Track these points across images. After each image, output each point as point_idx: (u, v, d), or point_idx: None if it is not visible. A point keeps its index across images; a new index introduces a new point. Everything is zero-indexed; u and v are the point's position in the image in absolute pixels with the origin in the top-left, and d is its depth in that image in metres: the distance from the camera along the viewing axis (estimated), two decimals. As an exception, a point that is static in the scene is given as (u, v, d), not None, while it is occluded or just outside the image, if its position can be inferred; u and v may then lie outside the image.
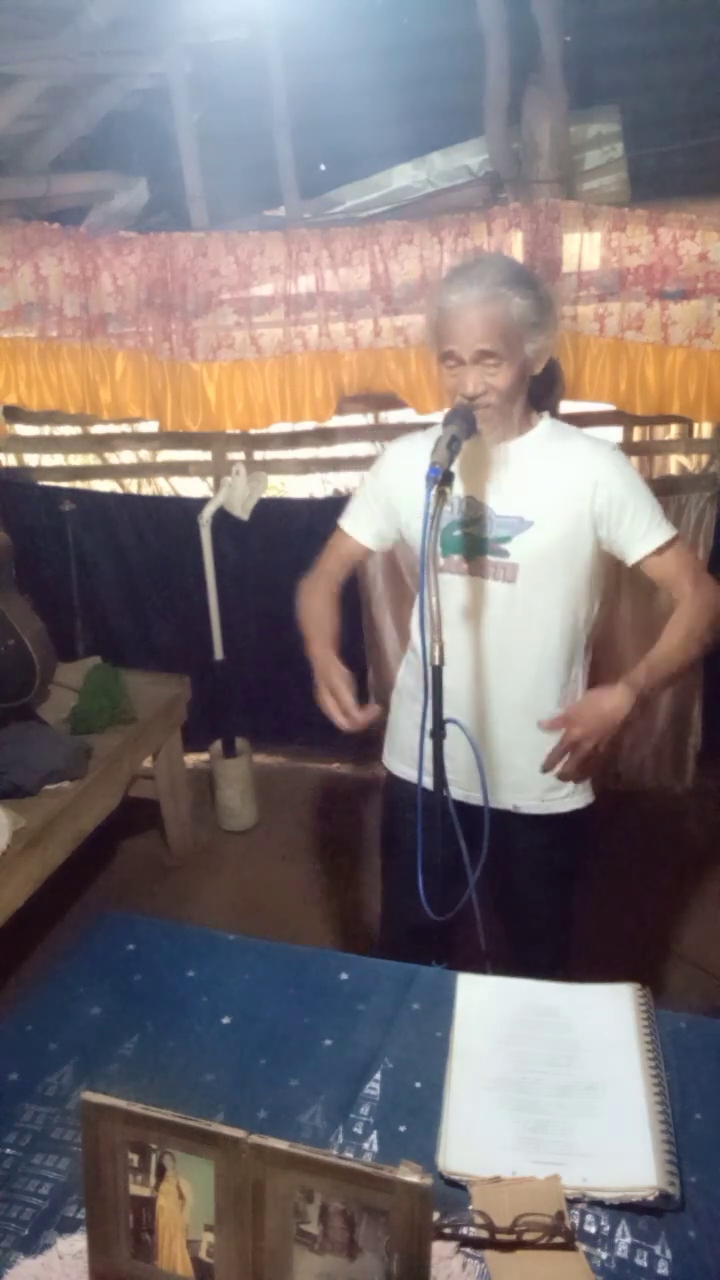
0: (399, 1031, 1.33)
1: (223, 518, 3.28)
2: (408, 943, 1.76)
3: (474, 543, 1.73)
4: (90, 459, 3.94)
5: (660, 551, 1.70)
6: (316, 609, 1.92)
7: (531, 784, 1.84)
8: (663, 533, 1.70)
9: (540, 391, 1.77)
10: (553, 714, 1.83)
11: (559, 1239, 1.00)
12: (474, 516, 1.73)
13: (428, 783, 1.59)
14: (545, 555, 1.70)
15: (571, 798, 1.86)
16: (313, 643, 1.84)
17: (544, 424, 1.76)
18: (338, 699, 1.71)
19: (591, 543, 1.72)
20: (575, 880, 2.00)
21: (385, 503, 1.84)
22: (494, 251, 2.69)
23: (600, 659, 1.94)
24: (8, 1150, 1.16)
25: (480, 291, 1.60)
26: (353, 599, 3.52)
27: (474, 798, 1.73)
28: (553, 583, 1.73)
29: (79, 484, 3.88)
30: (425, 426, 1.94)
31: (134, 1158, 0.96)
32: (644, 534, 1.69)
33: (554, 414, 1.81)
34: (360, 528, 1.90)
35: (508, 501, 1.71)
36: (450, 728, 1.56)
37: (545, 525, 1.69)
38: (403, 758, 1.90)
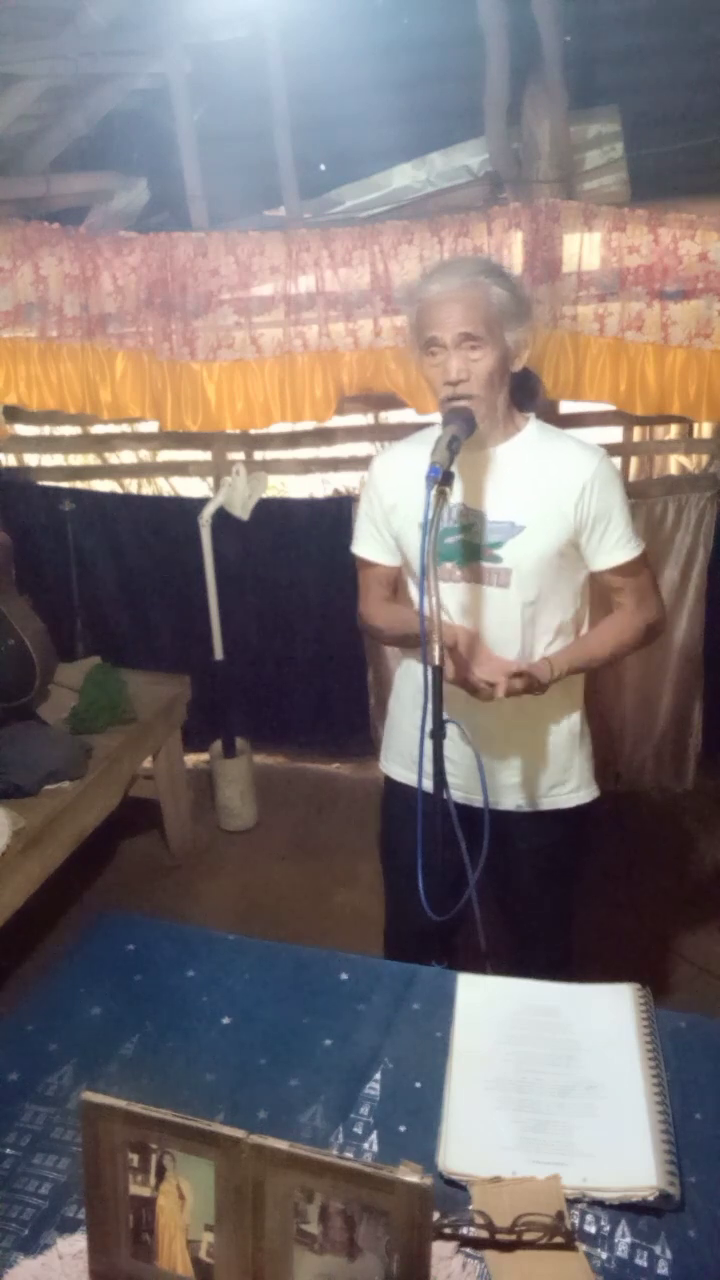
0: (399, 1031, 1.33)
1: (223, 518, 3.28)
2: (412, 944, 1.76)
3: (467, 549, 1.73)
4: (90, 459, 3.94)
5: (622, 567, 1.75)
6: (387, 611, 1.90)
7: (536, 782, 1.84)
8: (630, 550, 1.74)
9: (522, 395, 1.77)
10: (554, 714, 1.83)
11: (559, 1239, 1.00)
12: (467, 523, 1.72)
13: (427, 785, 1.59)
14: (538, 559, 1.70)
15: (577, 793, 1.87)
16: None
17: (531, 426, 1.76)
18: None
19: (577, 543, 1.73)
20: (576, 879, 2.00)
21: (385, 516, 1.83)
22: (499, 253, 2.70)
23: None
24: (8, 1150, 1.16)
25: (460, 279, 1.62)
26: (355, 599, 3.52)
27: (476, 800, 1.73)
28: (547, 584, 1.73)
29: (79, 484, 3.88)
30: (423, 427, 1.94)
31: (134, 1158, 0.96)
32: (613, 547, 1.73)
33: (539, 416, 1.81)
34: (378, 551, 1.88)
35: (499, 507, 1.71)
36: (449, 729, 1.56)
37: (537, 529, 1.70)
38: (402, 761, 1.90)
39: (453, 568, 1.74)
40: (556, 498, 1.69)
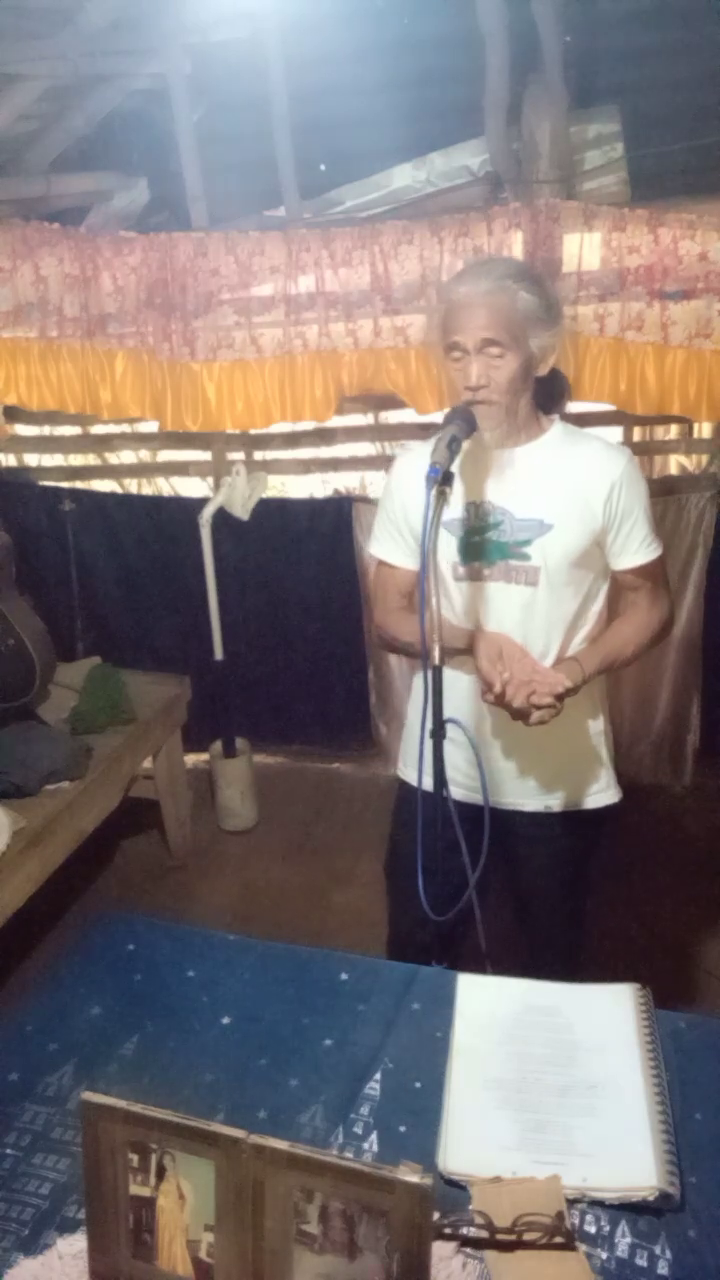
0: (399, 1031, 1.33)
1: (223, 518, 3.28)
2: (414, 951, 1.76)
3: (494, 548, 1.73)
4: (90, 459, 3.94)
5: (643, 568, 1.76)
6: (410, 623, 1.80)
7: (563, 783, 1.84)
8: (651, 551, 1.75)
9: (548, 397, 1.78)
10: (581, 716, 1.83)
11: (559, 1239, 1.00)
12: (494, 522, 1.72)
13: (429, 783, 1.59)
14: (566, 557, 1.71)
15: (605, 793, 1.88)
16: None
17: (556, 427, 1.76)
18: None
19: (602, 542, 1.74)
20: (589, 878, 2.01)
21: (404, 516, 1.82)
22: (499, 253, 2.69)
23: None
24: (8, 1150, 1.16)
25: (487, 283, 1.61)
26: (356, 598, 3.52)
27: (495, 802, 1.73)
28: (573, 583, 1.74)
29: (79, 484, 3.88)
30: (425, 427, 1.94)
31: (134, 1158, 0.96)
32: (637, 548, 1.74)
33: (563, 418, 1.81)
34: (396, 554, 1.86)
35: (527, 505, 1.71)
36: (456, 730, 1.56)
37: (565, 527, 1.70)
38: (416, 766, 1.89)
39: (479, 566, 1.74)
40: (585, 496, 1.69)
